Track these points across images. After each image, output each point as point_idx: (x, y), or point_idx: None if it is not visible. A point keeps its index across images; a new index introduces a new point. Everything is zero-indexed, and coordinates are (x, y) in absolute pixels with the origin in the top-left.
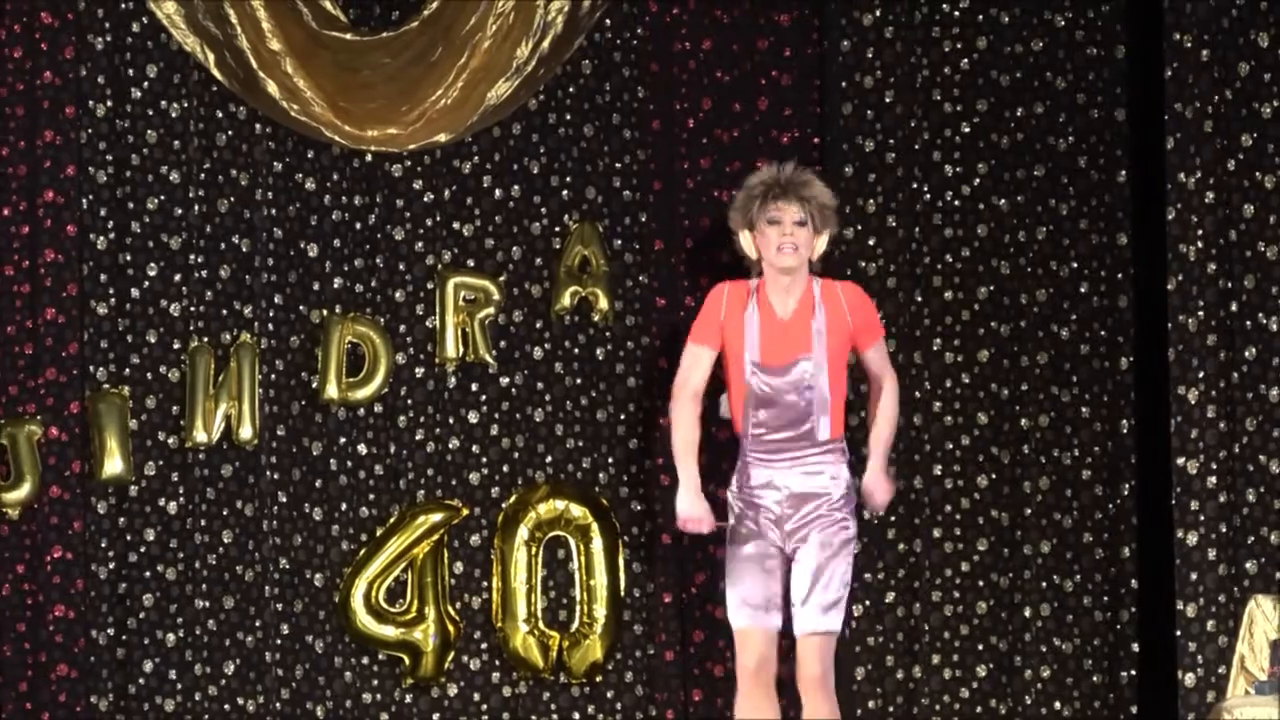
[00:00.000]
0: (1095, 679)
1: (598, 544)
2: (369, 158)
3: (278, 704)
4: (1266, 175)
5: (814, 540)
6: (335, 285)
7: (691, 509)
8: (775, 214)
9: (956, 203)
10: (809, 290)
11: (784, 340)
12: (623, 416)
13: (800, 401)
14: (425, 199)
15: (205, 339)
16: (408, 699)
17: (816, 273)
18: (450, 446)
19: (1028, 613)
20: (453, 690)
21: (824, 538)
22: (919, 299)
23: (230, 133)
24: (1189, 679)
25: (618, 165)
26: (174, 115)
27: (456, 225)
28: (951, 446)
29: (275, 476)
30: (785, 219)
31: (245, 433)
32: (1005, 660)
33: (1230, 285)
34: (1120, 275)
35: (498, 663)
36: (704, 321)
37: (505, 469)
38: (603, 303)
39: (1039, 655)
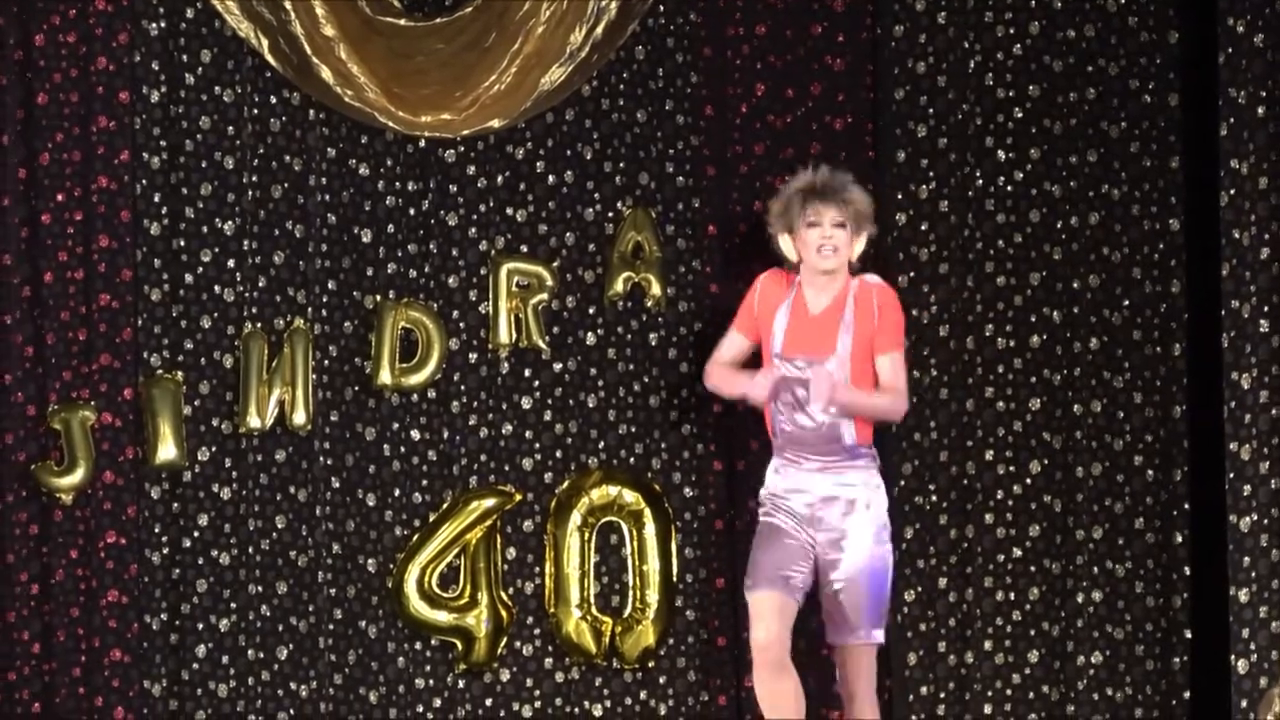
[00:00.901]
0: (1148, 665)
1: (650, 529)
2: (422, 143)
3: (330, 689)
4: None
5: (849, 554)
6: (389, 271)
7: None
8: (814, 217)
9: (1009, 188)
10: (845, 288)
11: (809, 335)
12: (675, 402)
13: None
14: (479, 185)
15: (259, 324)
16: (460, 684)
17: (857, 272)
18: (503, 432)
19: (1080, 598)
20: (505, 676)
21: (859, 551)
22: (971, 284)
23: (284, 118)
24: (1241, 665)
25: (671, 151)
26: (228, 101)
27: (510, 211)
28: (1003, 432)
29: (328, 462)
30: (824, 221)
31: (299, 418)
32: (1057, 646)
33: None
34: (1173, 261)
35: (550, 648)
36: (744, 310)
37: (558, 454)
38: (655, 288)
39: (1091, 641)
